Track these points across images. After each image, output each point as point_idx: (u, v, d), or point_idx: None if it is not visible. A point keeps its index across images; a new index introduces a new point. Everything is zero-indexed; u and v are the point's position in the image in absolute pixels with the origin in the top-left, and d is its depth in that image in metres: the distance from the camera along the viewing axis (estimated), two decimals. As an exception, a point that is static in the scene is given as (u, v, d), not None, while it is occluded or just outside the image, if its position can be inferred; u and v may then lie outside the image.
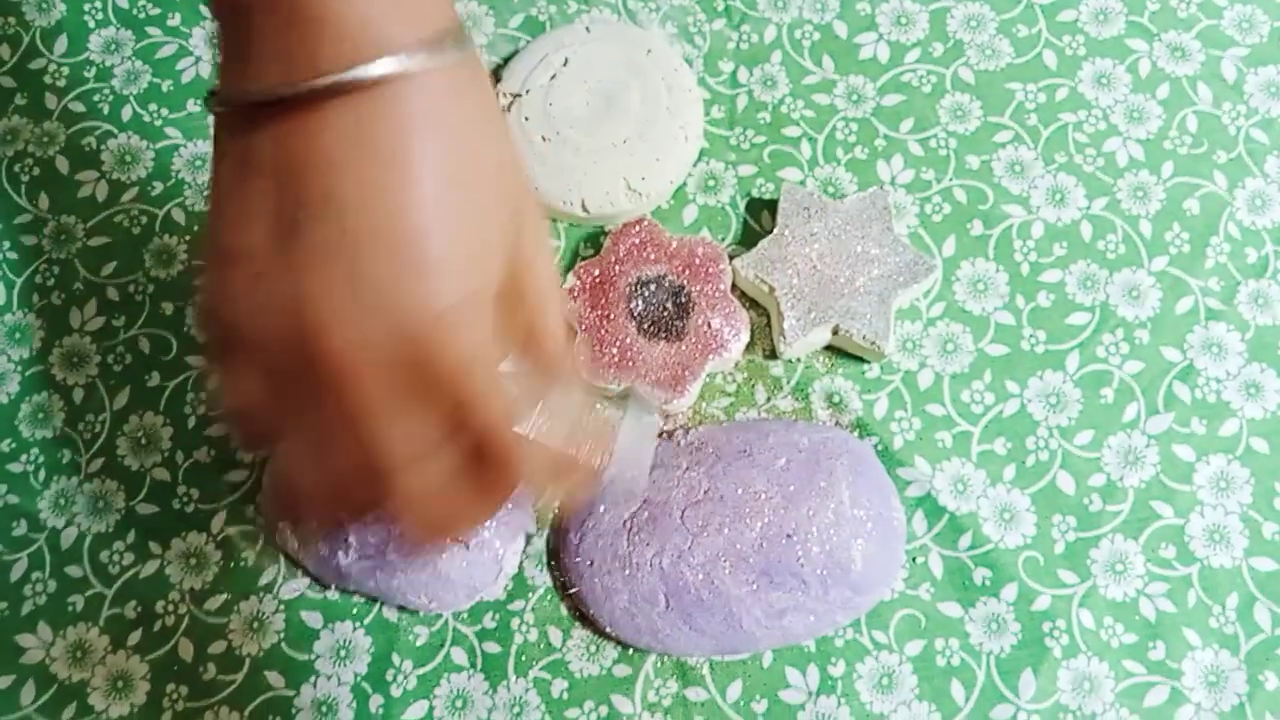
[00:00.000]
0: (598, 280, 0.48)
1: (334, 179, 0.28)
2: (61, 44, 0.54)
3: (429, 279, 0.28)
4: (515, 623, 0.45)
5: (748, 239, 0.50)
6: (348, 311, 0.28)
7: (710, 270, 0.48)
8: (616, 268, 0.48)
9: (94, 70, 0.53)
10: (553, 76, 0.51)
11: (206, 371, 0.32)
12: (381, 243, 0.28)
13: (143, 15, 0.54)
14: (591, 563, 0.44)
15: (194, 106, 0.53)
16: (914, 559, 0.46)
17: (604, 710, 0.44)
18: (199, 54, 0.54)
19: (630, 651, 0.45)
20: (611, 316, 0.47)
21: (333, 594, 0.46)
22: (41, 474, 0.47)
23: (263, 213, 0.29)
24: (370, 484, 0.30)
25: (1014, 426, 0.47)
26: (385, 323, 0.28)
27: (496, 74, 0.53)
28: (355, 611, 0.46)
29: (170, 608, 0.46)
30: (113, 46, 0.54)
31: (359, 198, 0.28)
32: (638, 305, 0.47)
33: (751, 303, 0.49)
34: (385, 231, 0.28)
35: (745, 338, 0.47)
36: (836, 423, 0.48)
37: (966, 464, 0.47)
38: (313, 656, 0.45)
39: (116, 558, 0.46)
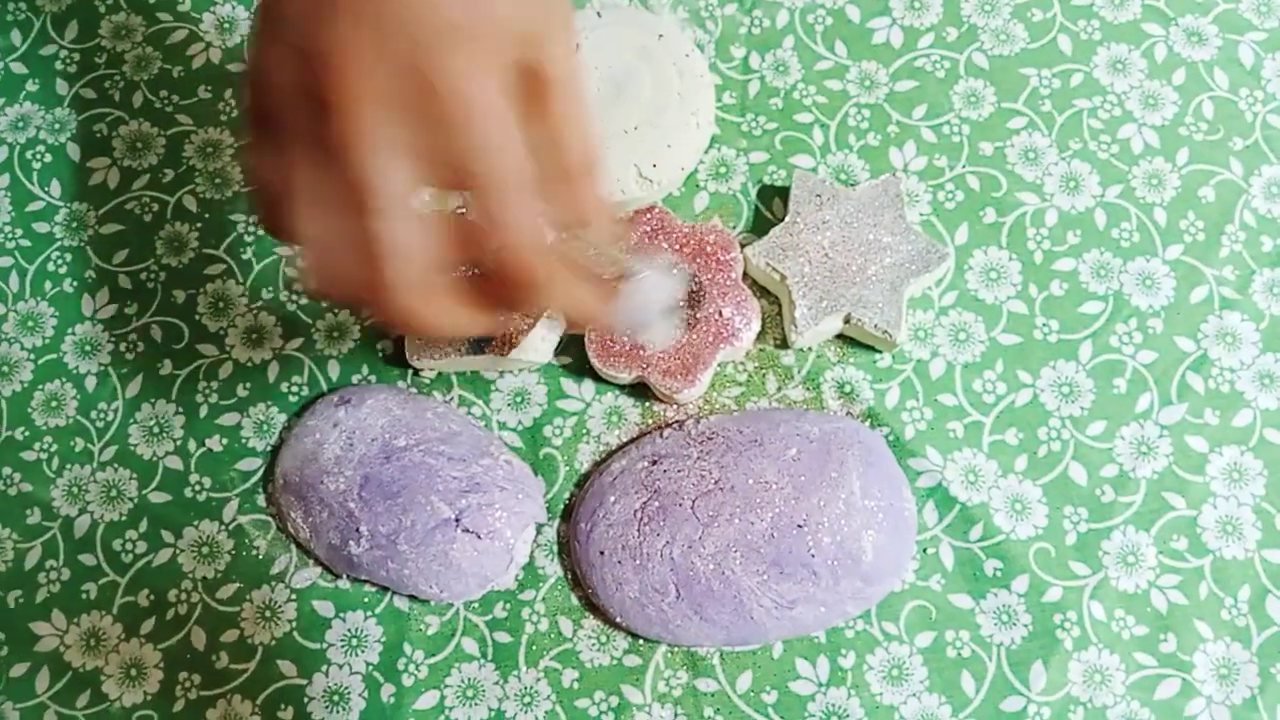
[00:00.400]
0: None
1: None
2: (72, 30, 0.54)
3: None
4: (526, 612, 0.45)
5: (759, 227, 0.50)
6: (357, 36, 0.29)
7: (721, 258, 0.47)
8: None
9: (105, 56, 0.53)
10: (563, 63, 0.50)
11: (243, 149, 0.35)
12: None
13: (153, 1, 0.54)
14: (602, 553, 0.44)
15: (205, 93, 0.53)
16: (925, 550, 0.46)
17: (614, 700, 0.44)
18: (210, 40, 0.53)
19: (640, 642, 0.45)
20: (622, 306, 0.47)
21: (344, 583, 0.46)
22: (54, 462, 0.48)
23: None
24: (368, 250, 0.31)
25: (1026, 417, 0.47)
26: (387, 36, 0.29)
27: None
28: (366, 601, 0.46)
29: (183, 596, 0.46)
30: (123, 32, 0.54)
31: None
32: (648, 294, 0.47)
33: (763, 291, 0.49)
34: None
35: (756, 326, 0.47)
36: (848, 412, 0.47)
37: (978, 454, 0.47)
38: (324, 646, 0.45)
39: (129, 546, 0.47)
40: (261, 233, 0.50)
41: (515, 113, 0.32)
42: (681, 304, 0.46)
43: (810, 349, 0.48)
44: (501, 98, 0.31)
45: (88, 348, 0.49)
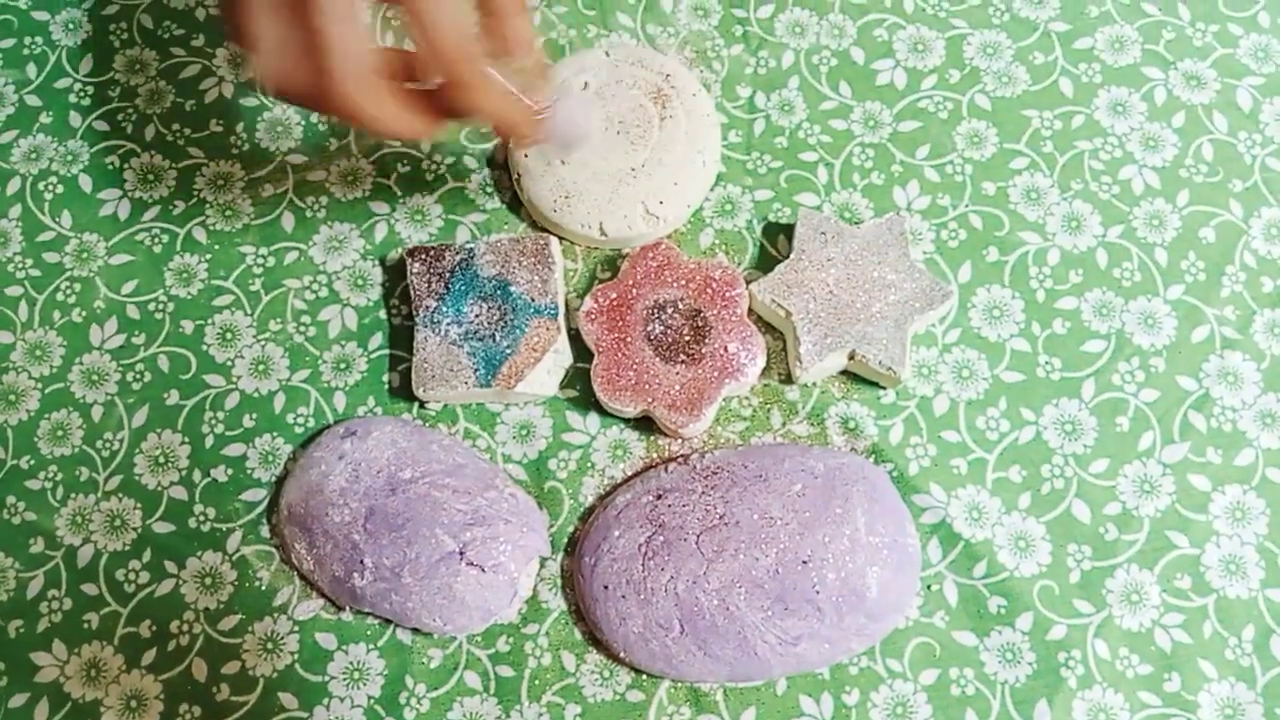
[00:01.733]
0: (615, 303, 0.48)
1: None
2: (87, 64, 0.54)
3: None
4: (529, 646, 0.45)
5: (764, 263, 0.50)
6: None
7: (727, 294, 0.48)
8: (634, 291, 0.48)
9: (118, 90, 0.54)
10: (571, 100, 0.51)
11: None
12: None
13: (167, 36, 0.55)
14: (606, 587, 0.44)
15: (217, 127, 0.53)
16: (929, 586, 0.46)
17: (617, 735, 0.44)
18: (222, 74, 0.54)
19: (644, 677, 0.45)
20: (628, 339, 0.47)
21: (347, 616, 0.46)
22: (59, 491, 0.48)
23: None
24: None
25: (1029, 454, 0.47)
26: None
27: (515, 97, 0.53)
28: (369, 634, 0.46)
29: (185, 627, 0.46)
30: (137, 66, 0.54)
31: None
32: (655, 328, 0.47)
33: (767, 327, 0.49)
34: None
35: (761, 362, 0.48)
36: (852, 448, 0.48)
37: (981, 491, 0.47)
38: (326, 678, 0.45)
39: (132, 576, 0.47)
40: (270, 265, 0.51)
41: None
42: (601, 124, 0.50)
43: (815, 385, 0.49)
44: None
45: (95, 377, 0.49)
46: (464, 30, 0.38)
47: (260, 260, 0.51)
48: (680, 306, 0.48)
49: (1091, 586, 0.45)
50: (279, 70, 0.37)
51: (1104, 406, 0.48)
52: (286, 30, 0.36)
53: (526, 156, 0.50)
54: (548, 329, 0.47)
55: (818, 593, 0.43)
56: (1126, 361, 0.48)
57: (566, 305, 0.49)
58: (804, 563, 0.43)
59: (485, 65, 0.39)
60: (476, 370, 0.47)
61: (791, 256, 0.48)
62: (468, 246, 0.49)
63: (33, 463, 0.48)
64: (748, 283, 0.48)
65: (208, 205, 0.52)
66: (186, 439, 0.48)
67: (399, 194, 0.52)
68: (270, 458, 0.48)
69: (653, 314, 0.48)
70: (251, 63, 0.38)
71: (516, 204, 0.52)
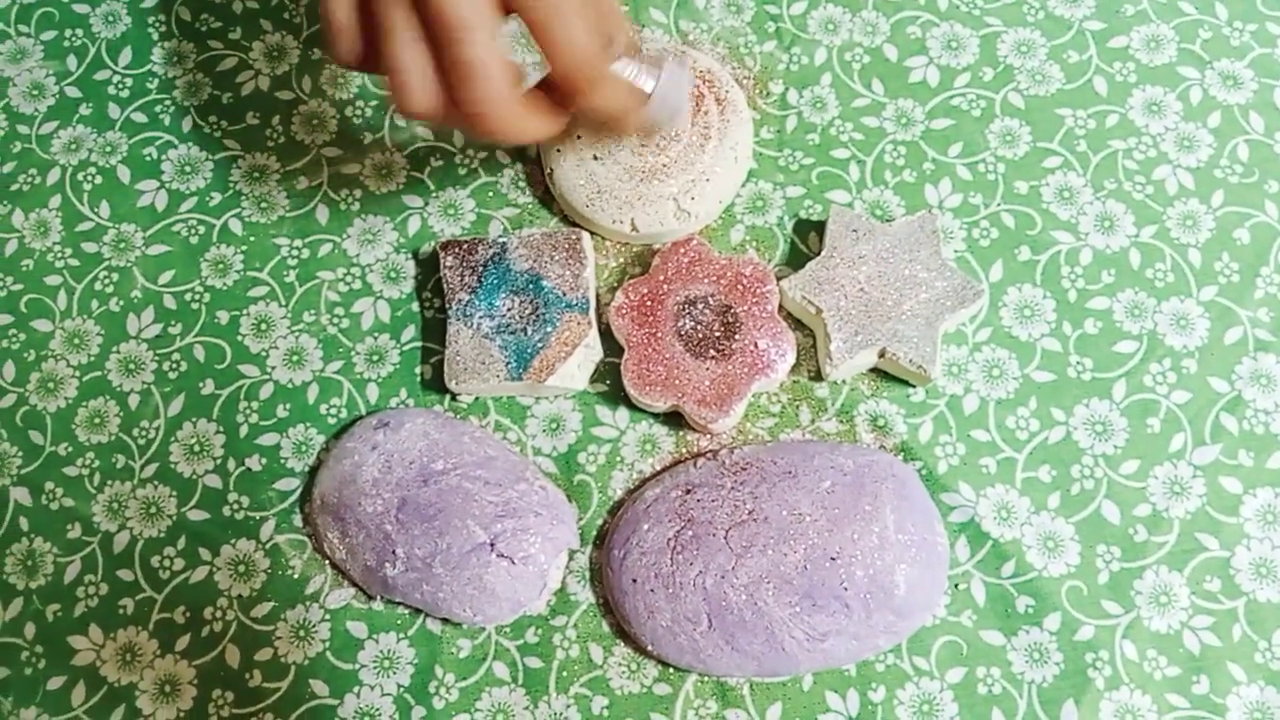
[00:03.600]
0: (645, 299, 0.48)
1: None
2: (126, 56, 0.55)
3: None
4: (557, 638, 0.46)
5: (795, 260, 0.50)
6: None
7: (757, 290, 0.48)
8: (664, 286, 0.48)
9: (157, 82, 0.55)
10: (604, 96, 0.51)
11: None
12: None
13: (205, 29, 0.55)
14: (634, 580, 0.44)
15: (253, 119, 0.54)
16: (956, 585, 0.46)
17: (644, 728, 0.44)
18: (259, 68, 0.55)
19: (671, 670, 0.45)
20: (659, 335, 0.47)
21: (378, 605, 0.46)
22: (96, 478, 0.48)
23: None
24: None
25: (1059, 454, 0.47)
26: None
27: (548, 92, 0.54)
28: (399, 623, 0.46)
29: (218, 614, 0.46)
30: (175, 59, 0.55)
31: None
32: (685, 324, 0.48)
33: (797, 324, 0.49)
34: None
35: (791, 358, 0.48)
36: (881, 446, 0.48)
37: (1010, 490, 0.47)
38: (357, 666, 0.46)
39: (167, 563, 0.47)
40: (305, 257, 0.51)
41: None
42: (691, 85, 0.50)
43: (844, 382, 0.49)
44: None
45: (132, 366, 0.50)
46: (588, 40, 0.39)
47: (295, 252, 0.52)
48: (711, 302, 0.48)
49: (1120, 588, 0.45)
50: (424, 96, 0.39)
51: (1135, 407, 0.48)
52: (431, 59, 0.38)
53: (559, 151, 0.50)
54: (579, 323, 0.48)
55: (846, 589, 0.43)
56: (1158, 363, 0.48)
57: (597, 300, 0.49)
58: (832, 559, 0.43)
59: (608, 68, 0.40)
60: (508, 363, 0.47)
61: (823, 253, 0.48)
62: (500, 241, 0.49)
63: (70, 449, 0.49)
64: (778, 279, 0.48)
65: (243, 197, 0.52)
66: (221, 428, 0.49)
67: (432, 188, 0.52)
68: (304, 447, 0.48)
69: (683, 310, 0.48)
70: (390, 87, 0.39)
71: (549, 199, 0.52)
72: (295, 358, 0.50)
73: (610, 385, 0.49)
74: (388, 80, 0.39)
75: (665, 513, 0.45)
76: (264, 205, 0.52)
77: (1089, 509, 0.46)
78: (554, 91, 0.41)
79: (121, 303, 0.51)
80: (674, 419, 0.48)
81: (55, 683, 0.46)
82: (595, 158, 0.50)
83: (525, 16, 0.38)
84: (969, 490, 0.47)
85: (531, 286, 0.48)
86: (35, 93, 0.55)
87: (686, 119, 0.49)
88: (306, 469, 0.48)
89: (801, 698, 0.45)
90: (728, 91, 0.51)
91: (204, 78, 0.55)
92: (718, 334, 0.47)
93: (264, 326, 0.50)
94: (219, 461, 0.48)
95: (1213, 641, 0.45)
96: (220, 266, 0.51)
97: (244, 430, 0.49)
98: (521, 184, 0.52)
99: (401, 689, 0.45)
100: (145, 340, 0.50)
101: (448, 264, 0.49)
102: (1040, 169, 0.51)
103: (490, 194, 0.52)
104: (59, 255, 0.52)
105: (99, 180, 0.53)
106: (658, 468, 0.48)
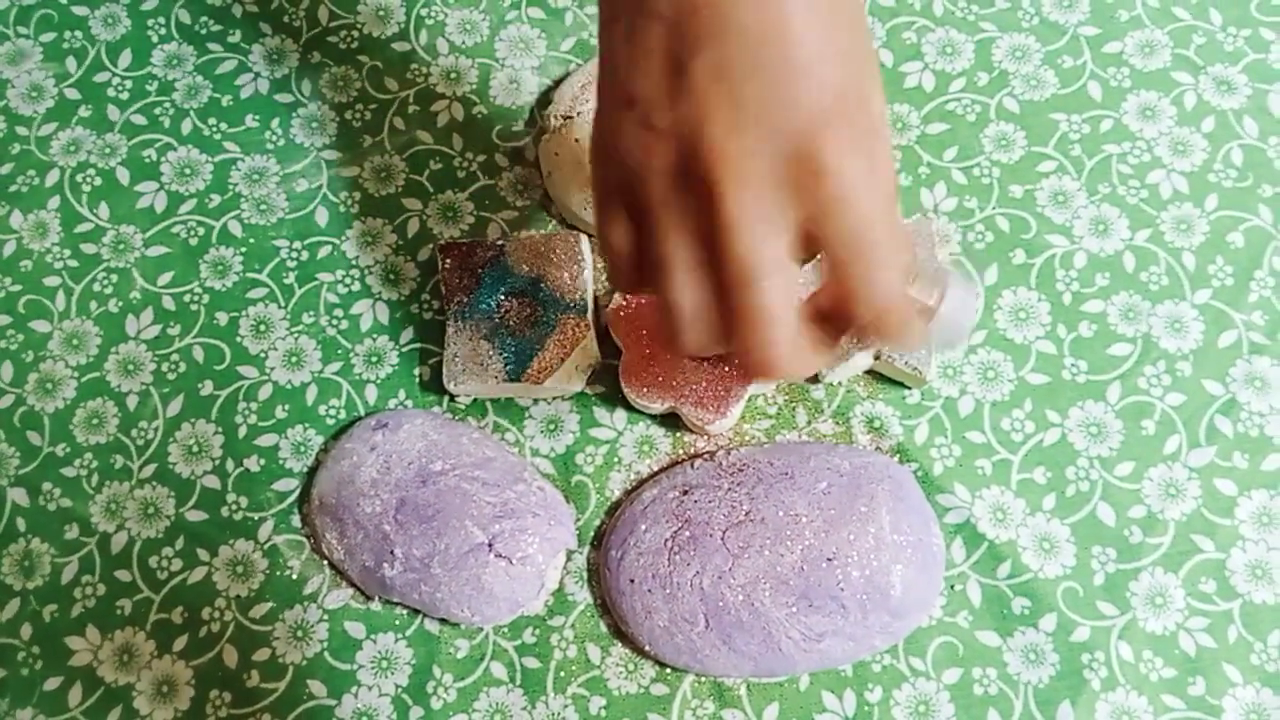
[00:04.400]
0: (643, 301, 0.48)
1: (721, 13, 0.31)
2: (125, 58, 0.55)
3: (801, 81, 0.31)
4: (555, 639, 0.46)
5: (791, 263, 0.51)
6: (731, 125, 0.32)
7: (754, 294, 0.48)
8: (662, 289, 0.48)
9: (156, 84, 0.55)
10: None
11: (596, 219, 0.38)
12: (759, 58, 0.31)
13: (204, 31, 0.56)
14: (632, 581, 0.45)
15: (253, 122, 0.54)
16: (952, 586, 0.46)
17: (641, 728, 0.45)
18: (259, 70, 0.55)
19: (668, 671, 0.45)
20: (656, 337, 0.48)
21: (376, 605, 0.46)
22: (94, 479, 0.48)
23: (657, 54, 0.32)
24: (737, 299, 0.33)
25: (1054, 456, 0.47)
26: (764, 127, 0.31)
27: (548, 96, 0.54)
28: (398, 623, 0.46)
29: (216, 614, 0.47)
30: (175, 61, 0.55)
31: (740, 24, 0.31)
32: (682, 327, 0.48)
33: (794, 327, 0.49)
34: (761, 47, 0.31)
35: (788, 361, 0.48)
36: (876, 447, 0.48)
37: (1006, 492, 0.47)
38: (355, 667, 0.46)
39: (165, 563, 0.47)
40: (304, 259, 0.51)
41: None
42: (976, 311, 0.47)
43: (840, 384, 0.49)
44: (871, 170, 0.33)
45: (130, 367, 0.50)
46: (900, 284, 0.34)
47: (294, 254, 0.52)
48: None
49: (1116, 589, 0.45)
50: (701, 337, 0.35)
51: (1130, 410, 0.48)
52: (713, 295, 0.34)
53: (557, 155, 0.51)
54: (577, 326, 0.48)
55: (842, 590, 0.43)
56: (1153, 365, 0.49)
57: (596, 302, 0.50)
58: (829, 560, 0.44)
59: (913, 311, 0.35)
60: (506, 365, 0.47)
61: (819, 256, 0.49)
62: (499, 243, 0.49)
63: (69, 450, 0.49)
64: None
65: (243, 199, 0.53)
66: (220, 429, 0.49)
67: (431, 190, 0.53)
68: (302, 448, 0.49)
69: (680, 312, 0.48)
70: (663, 321, 0.35)
71: (547, 201, 0.52)
72: (294, 359, 0.50)
73: (608, 387, 0.49)
74: (661, 313, 0.35)
75: (663, 513, 0.45)
76: (263, 207, 0.52)
77: (1084, 510, 0.47)
78: (836, 320, 0.35)
79: (120, 304, 0.51)
80: (671, 420, 0.48)
81: (52, 683, 0.46)
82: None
83: (833, 256, 0.34)
84: (964, 492, 0.47)
85: (530, 289, 0.48)
86: (34, 94, 0.55)
87: (967, 338, 0.44)
88: (305, 470, 0.48)
89: (798, 698, 0.45)
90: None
91: (203, 80, 0.55)
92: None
93: (263, 328, 0.50)
94: (217, 462, 0.49)
95: (1208, 643, 0.45)
96: (219, 268, 0.52)
97: (243, 431, 0.49)
98: (520, 187, 0.53)
99: (399, 689, 0.45)
100: (144, 341, 0.50)
101: (446, 266, 0.49)
102: (1035, 173, 0.52)
103: (489, 197, 0.53)
104: (58, 256, 0.52)
105: (98, 182, 0.53)
106: (655, 469, 0.48)
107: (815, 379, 0.49)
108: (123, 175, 0.53)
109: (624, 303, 0.48)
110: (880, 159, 0.34)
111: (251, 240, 0.52)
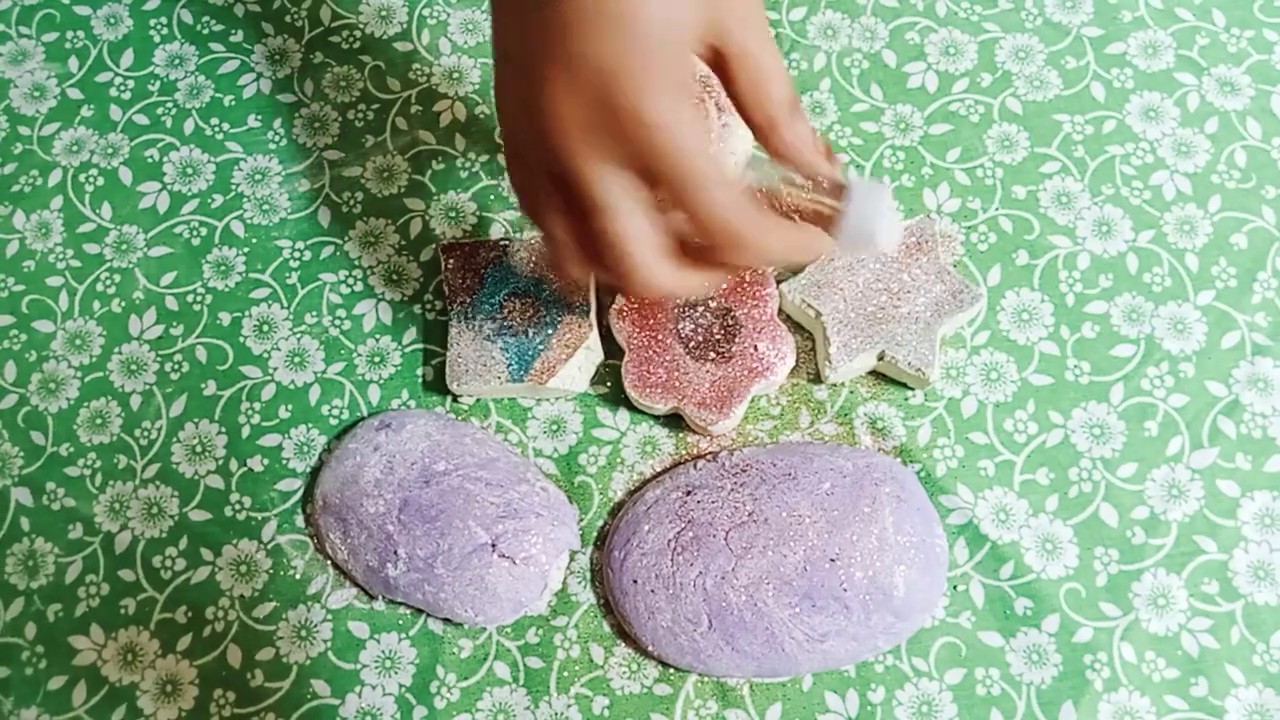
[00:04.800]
0: (646, 301, 0.48)
1: None
2: (128, 58, 0.55)
3: (622, 30, 0.34)
4: (558, 638, 0.46)
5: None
6: (564, 81, 0.35)
7: (757, 294, 0.48)
8: (665, 290, 0.48)
9: (158, 84, 0.55)
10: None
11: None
12: (587, 17, 0.35)
13: (206, 31, 0.56)
14: (635, 581, 0.45)
15: (255, 122, 0.54)
16: (955, 587, 0.46)
17: (644, 728, 0.45)
18: (261, 70, 0.55)
19: (671, 671, 0.45)
20: (659, 337, 0.48)
21: (379, 605, 0.46)
22: (98, 479, 0.49)
23: (518, 12, 0.37)
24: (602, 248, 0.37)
25: (1057, 457, 0.47)
26: (587, 74, 0.34)
27: (549, 96, 0.54)
28: (401, 623, 0.46)
29: (220, 614, 0.47)
30: (177, 61, 0.55)
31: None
32: (685, 326, 0.48)
33: (797, 327, 0.50)
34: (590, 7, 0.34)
35: (791, 361, 0.48)
36: (880, 448, 0.48)
37: (1009, 493, 0.47)
38: (358, 666, 0.46)
39: (169, 563, 0.47)
40: (306, 259, 0.52)
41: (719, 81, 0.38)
42: (896, 207, 0.47)
43: (843, 385, 0.49)
44: (680, 107, 0.35)
45: (134, 367, 0.50)
46: (736, 206, 0.36)
47: (297, 254, 0.52)
48: (711, 305, 0.48)
49: (1118, 590, 0.46)
50: (574, 264, 0.39)
51: (1132, 411, 0.48)
52: (576, 229, 0.38)
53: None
54: (580, 326, 0.48)
55: (845, 590, 0.43)
56: (1156, 366, 0.49)
57: (598, 302, 0.50)
58: (832, 560, 0.44)
59: (765, 226, 0.37)
60: (509, 365, 0.47)
61: (822, 257, 0.49)
62: (502, 243, 0.49)
63: (72, 450, 0.49)
64: (778, 282, 0.49)
65: (245, 199, 0.53)
66: (223, 429, 0.49)
67: (434, 191, 0.53)
68: (305, 448, 0.49)
69: (683, 312, 0.48)
70: (548, 252, 0.41)
71: (550, 201, 0.52)
72: (297, 359, 0.50)
73: (611, 387, 0.49)
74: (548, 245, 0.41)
75: (666, 514, 0.45)
76: (266, 208, 0.52)
77: (1087, 511, 0.47)
78: (697, 248, 0.38)
79: (123, 304, 0.51)
80: (674, 421, 0.49)
81: (56, 682, 0.46)
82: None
83: (664, 190, 0.36)
84: (967, 492, 0.47)
85: (533, 289, 0.48)
86: (37, 94, 0.55)
87: (885, 240, 0.41)
88: (308, 470, 0.48)
89: (801, 698, 0.45)
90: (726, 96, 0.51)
91: (205, 80, 0.55)
92: (718, 337, 0.48)
93: (266, 328, 0.51)
94: (221, 462, 0.49)
95: (1211, 644, 0.45)
96: (222, 268, 0.52)
97: (246, 431, 0.49)
98: (523, 187, 0.53)
99: (403, 689, 0.45)
100: (147, 341, 0.51)
101: (449, 266, 0.49)
102: (1038, 174, 0.52)
103: (492, 197, 0.53)
104: (60, 256, 0.52)
105: (101, 182, 0.53)
106: (658, 469, 0.48)
107: (818, 379, 0.49)
108: (125, 175, 0.53)
109: (626, 303, 0.48)
110: (681, 96, 0.36)
111: (254, 240, 0.52)
